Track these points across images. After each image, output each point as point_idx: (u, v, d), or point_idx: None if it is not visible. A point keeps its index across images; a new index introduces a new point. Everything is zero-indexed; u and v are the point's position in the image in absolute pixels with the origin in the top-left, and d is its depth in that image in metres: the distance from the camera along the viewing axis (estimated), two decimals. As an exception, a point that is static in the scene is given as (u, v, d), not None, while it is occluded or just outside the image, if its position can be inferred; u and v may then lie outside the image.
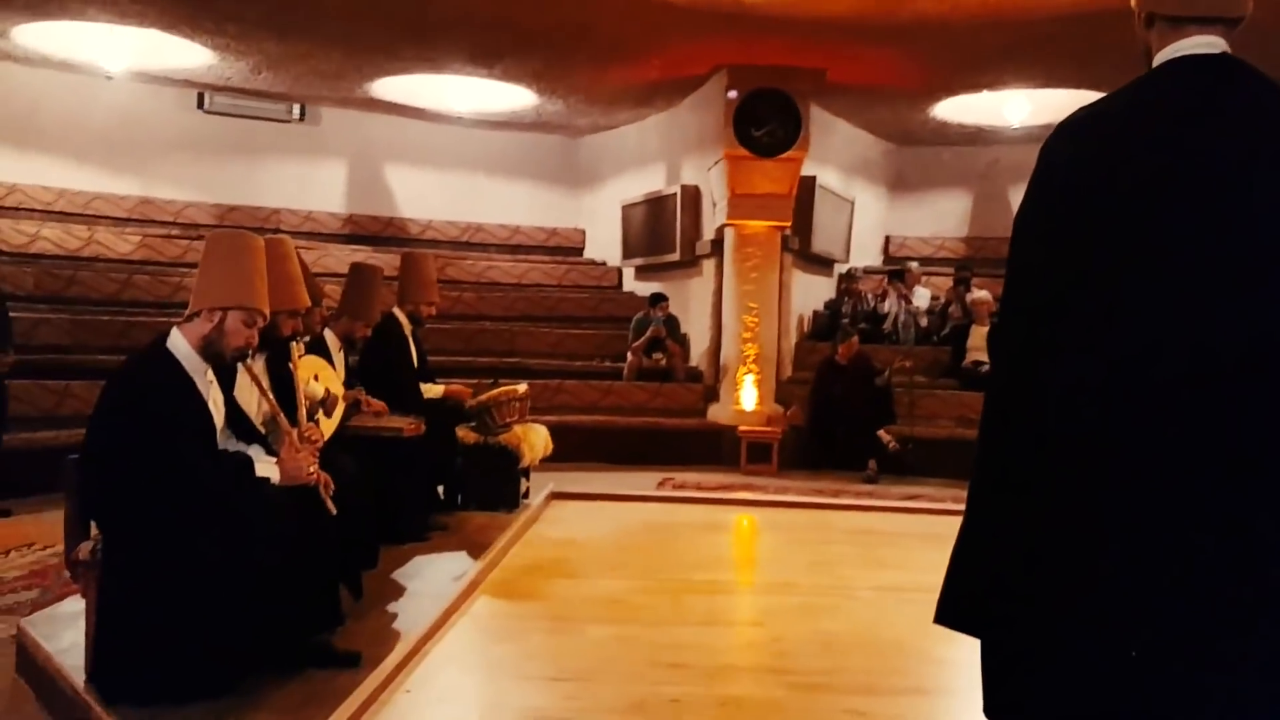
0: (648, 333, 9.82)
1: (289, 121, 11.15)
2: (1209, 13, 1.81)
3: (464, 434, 6.09)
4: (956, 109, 10.41)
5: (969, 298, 10.08)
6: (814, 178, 10.05)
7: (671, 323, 10.01)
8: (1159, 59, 1.86)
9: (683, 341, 10.11)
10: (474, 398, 6.13)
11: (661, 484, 7.89)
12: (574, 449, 8.04)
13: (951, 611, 2.02)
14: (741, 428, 8.99)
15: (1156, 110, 1.81)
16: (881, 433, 8.51)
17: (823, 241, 10.51)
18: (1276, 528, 1.67)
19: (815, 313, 10.70)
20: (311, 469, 3.46)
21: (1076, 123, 1.87)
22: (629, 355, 9.86)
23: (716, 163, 9.55)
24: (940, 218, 12.22)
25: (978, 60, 8.80)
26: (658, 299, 10.06)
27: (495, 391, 6.16)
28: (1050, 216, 1.85)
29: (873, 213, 11.86)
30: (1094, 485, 1.77)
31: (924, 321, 10.53)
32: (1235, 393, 1.68)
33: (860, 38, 8.21)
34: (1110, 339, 1.74)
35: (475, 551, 5.09)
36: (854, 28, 7.94)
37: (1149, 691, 1.72)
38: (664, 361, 9.78)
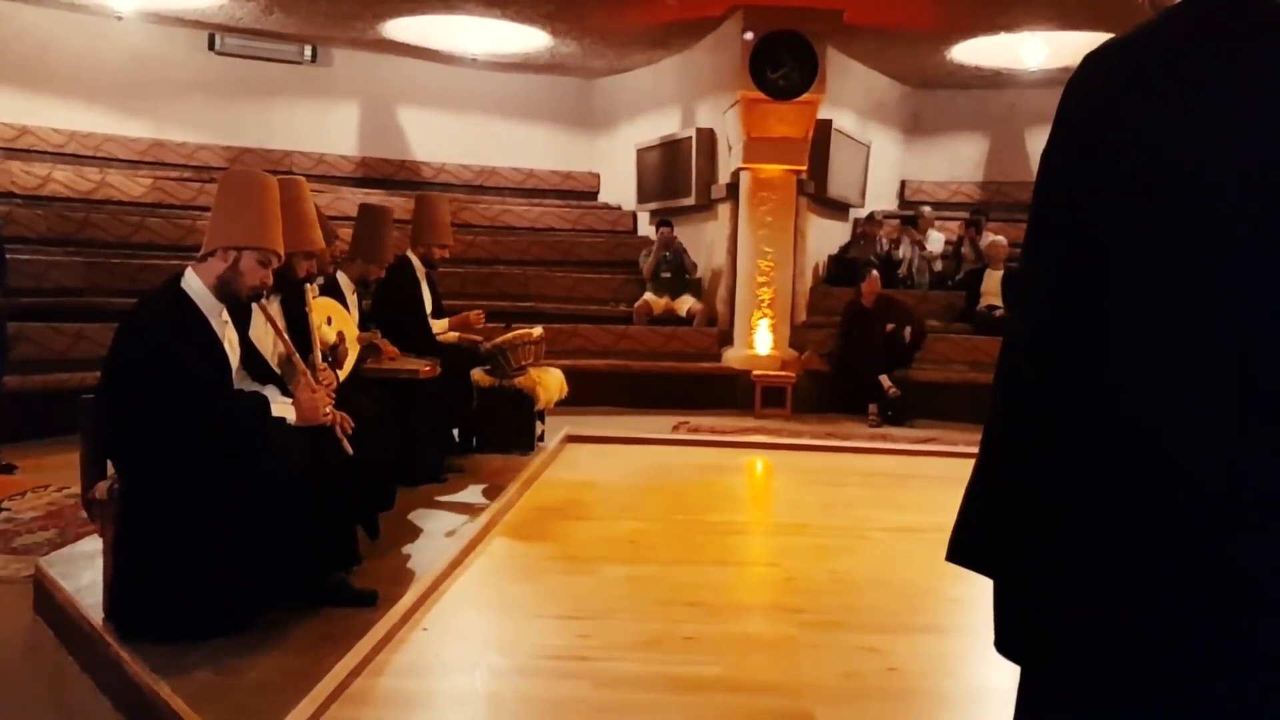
0: (654, 248, 9.93)
1: (301, 63, 11.05)
2: None
3: (479, 377, 6.10)
4: (974, 52, 10.24)
5: (982, 242, 9.99)
6: (830, 121, 9.93)
7: (672, 240, 10.02)
8: None
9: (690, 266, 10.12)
10: (487, 341, 6.13)
11: (676, 428, 7.91)
12: (589, 393, 8.06)
13: (964, 549, 2.02)
14: (755, 372, 8.99)
15: (1162, 50, 1.75)
16: (882, 378, 8.49)
17: (838, 186, 10.41)
18: None
19: (830, 257, 10.63)
20: (327, 409, 3.47)
21: (1099, 58, 1.79)
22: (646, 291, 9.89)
23: (732, 105, 9.44)
24: (957, 162, 12.08)
25: (994, 1, 8.64)
26: (664, 222, 10.12)
27: (510, 335, 6.17)
28: (1071, 158, 1.82)
29: (889, 157, 11.73)
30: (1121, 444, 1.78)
31: (938, 266, 10.46)
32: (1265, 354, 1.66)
33: (879, -24, 8.07)
34: (1130, 293, 1.74)
35: (491, 493, 5.13)
36: (873, -34, 7.81)
37: (1165, 640, 1.72)
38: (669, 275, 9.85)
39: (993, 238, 9.93)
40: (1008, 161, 11.56)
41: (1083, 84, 1.82)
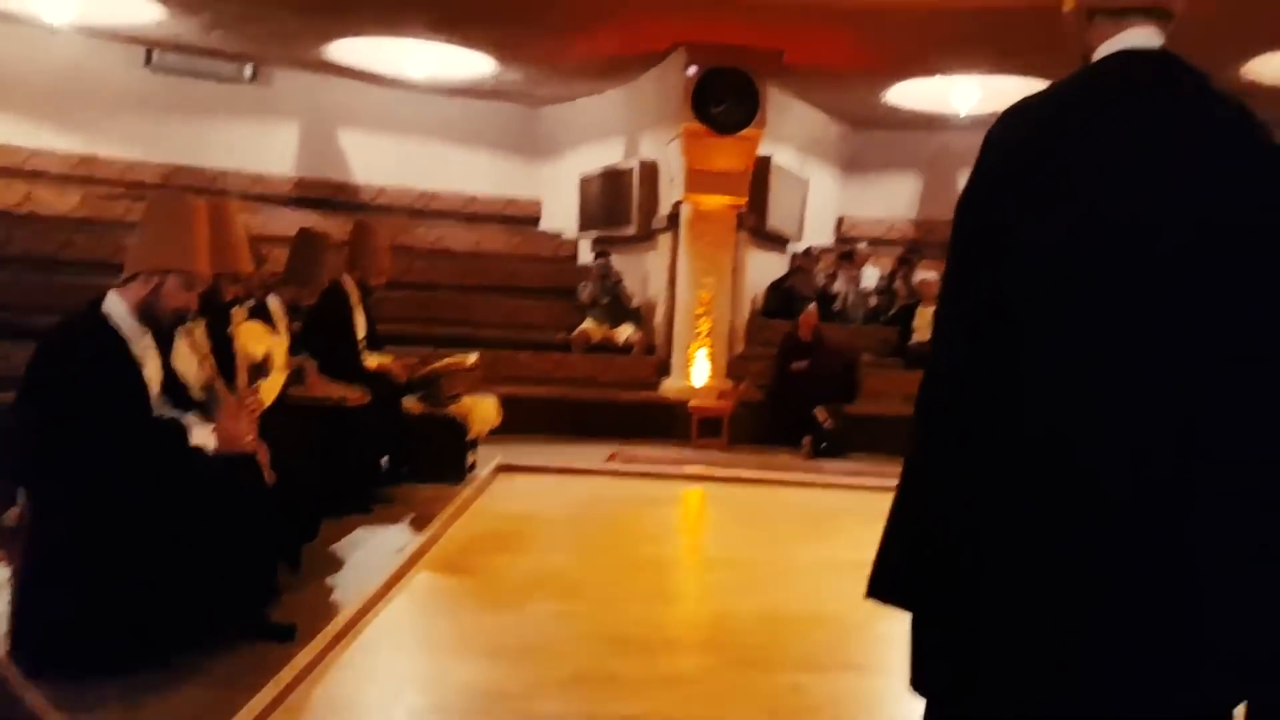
0: (592, 277, 10.01)
1: (240, 82, 10.91)
2: (1151, 2, 1.82)
3: (411, 404, 6.04)
4: (908, 94, 10.45)
5: (915, 279, 10.17)
6: (770, 157, 10.04)
7: (608, 269, 10.05)
8: (1100, 52, 1.86)
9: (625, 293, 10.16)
10: (420, 368, 6.08)
11: (611, 457, 7.89)
12: (525, 421, 8.00)
13: (884, 585, 2.03)
14: (692, 402, 9.01)
15: (1098, 103, 1.83)
16: (818, 410, 8.56)
17: (777, 220, 10.52)
18: (1216, 527, 1.69)
19: (768, 289, 10.73)
20: (250, 436, 3.41)
21: (1018, 112, 1.87)
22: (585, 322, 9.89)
23: (675, 138, 9.51)
24: (892, 200, 12.29)
25: (929, 46, 8.83)
26: (600, 253, 10.21)
27: (444, 362, 6.13)
28: (987, 205, 1.85)
29: (827, 193, 11.90)
30: (1041, 473, 1.80)
31: (873, 301, 10.62)
32: (1175, 385, 1.70)
33: (815, 20, 8.20)
34: (1048, 335, 1.77)
35: (419, 524, 5.07)
36: (809, 10, 7.93)
37: (1080, 674, 1.75)
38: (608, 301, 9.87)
39: (924, 275, 10.10)
40: (940, 201, 11.77)
41: (1007, 137, 1.86)
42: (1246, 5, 7.09)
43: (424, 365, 6.19)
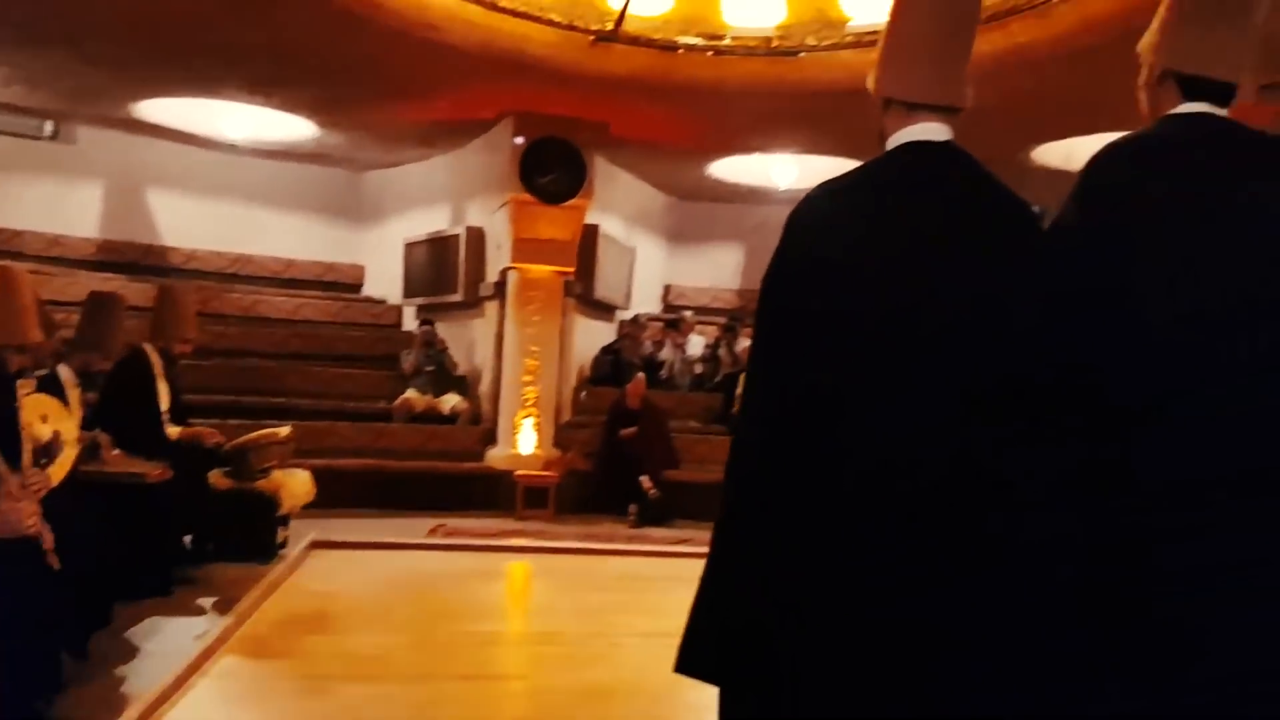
0: (415, 345, 9.87)
1: (40, 139, 10.33)
2: (937, 102, 1.99)
3: (217, 479, 5.75)
4: (731, 169, 10.83)
5: (739, 347, 10.44)
6: (597, 226, 10.18)
7: (433, 337, 9.93)
8: (892, 141, 2.02)
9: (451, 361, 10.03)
10: (230, 441, 5.81)
11: (433, 531, 7.70)
12: (342, 495, 7.76)
13: (694, 659, 2.03)
14: (518, 472, 8.92)
15: (888, 190, 1.97)
16: (643, 478, 8.62)
17: (604, 288, 10.64)
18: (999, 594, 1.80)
19: (596, 357, 10.80)
20: (32, 520, 3.17)
21: (818, 197, 1.99)
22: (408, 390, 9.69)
23: (502, 206, 9.53)
24: (717, 269, 12.64)
25: (747, 125, 9.20)
26: (425, 321, 10.13)
27: (254, 435, 5.87)
28: (792, 283, 1.97)
29: (654, 262, 12.13)
30: (845, 541, 1.86)
31: (698, 369, 10.83)
32: (962, 453, 1.81)
33: (639, 96, 8.43)
34: (844, 410, 1.87)
35: (223, 606, 4.80)
36: (633, 86, 8.15)
37: None
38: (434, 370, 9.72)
39: (747, 343, 10.37)
40: (763, 271, 12.16)
41: (808, 221, 1.97)
42: (1034, 102, 7.69)
43: (234, 438, 5.91)
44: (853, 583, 1.85)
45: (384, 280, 11.57)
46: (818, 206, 1.98)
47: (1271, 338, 1.76)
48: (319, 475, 6.39)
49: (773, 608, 1.93)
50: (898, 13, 2.03)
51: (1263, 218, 1.83)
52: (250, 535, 5.80)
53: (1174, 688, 1.73)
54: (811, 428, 1.89)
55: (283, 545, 6.07)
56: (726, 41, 7.76)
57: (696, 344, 11.11)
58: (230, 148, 10.63)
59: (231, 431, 6.16)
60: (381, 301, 11.60)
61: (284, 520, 6.05)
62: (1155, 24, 2.04)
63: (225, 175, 11.26)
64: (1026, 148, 9.17)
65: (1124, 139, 1.96)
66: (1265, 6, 2.05)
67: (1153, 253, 1.81)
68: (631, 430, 8.94)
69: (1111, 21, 6.31)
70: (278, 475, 5.90)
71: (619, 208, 11.09)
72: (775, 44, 7.73)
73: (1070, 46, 6.73)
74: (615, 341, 10.82)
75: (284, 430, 6.07)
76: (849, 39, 7.52)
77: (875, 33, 7.50)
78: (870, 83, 2.07)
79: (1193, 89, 1.95)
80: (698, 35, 7.76)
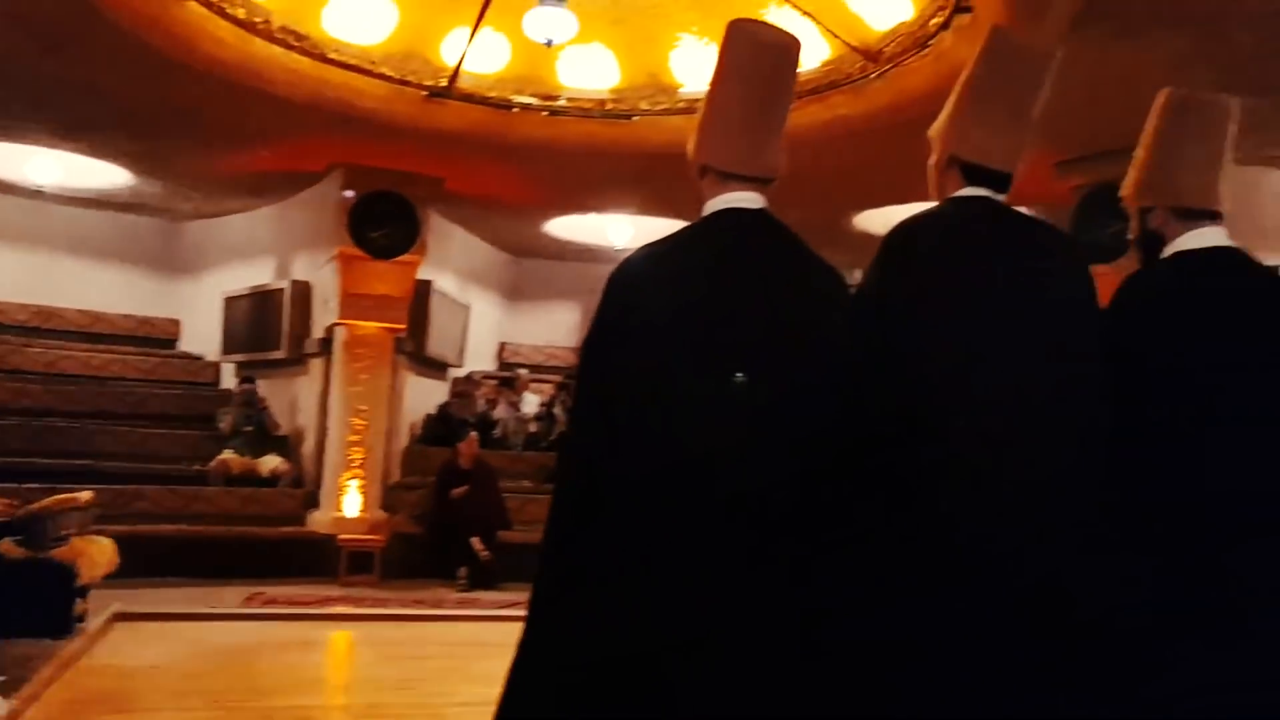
0: (234, 403, 9.48)
1: None
2: (751, 173, 2.09)
3: (7, 548, 5.30)
4: (567, 227, 10.89)
5: (574, 406, 10.42)
6: (430, 282, 10.03)
7: (253, 395, 9.56)
8: (709, 207, 2.11)
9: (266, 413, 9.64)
10: (23, 507, 5.38)
11: (249, 600, 7.31)
12: (152, 563, 7.34)
13: None
14: (342, 536, 8.58)
15: (705, 254, 2.06)
16: (474, 540, 8.45)
17: (438, 345, 10.46)
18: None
19: (427, 416, 10.57)
20: None
21: (636, 261, 2.07)
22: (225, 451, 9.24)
23: (330, 260, 9.28)
24: (553, 327, 12.63)
25: (582, 185, 9.29)
26: (246, 379, 9.75)
27: (50, 500, 5.46)
28: (611, 347, 2.02)
29: (489, 319, 12.02)
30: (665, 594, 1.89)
31: (533, 427, 10.73)
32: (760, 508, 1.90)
33: (475, 152, 8.40)
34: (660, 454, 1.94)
35: (9, 688, 4.39)
36: (468, 142, 8.12)
37: None
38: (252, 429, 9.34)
39: (583, 403, 10.36)
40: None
41: (630, 282, 2.05)
42: (854, 171, 8.05)
43: (27, 504, 5.48)
44: (669, 646, 1.87)
45: (202, 336, 11.05)
46: (636, 270, 2.06)
47: (1043, 386, 1.99)
48: (126, 542, 5.99)
49: (590, 669, 1.93)
50: (716, 85, 2.11)
51: (1032, 287, 2.06)
52: (44, 608, 5.35)
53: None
54: (629, 488, 1.93)
55: (81, 619, 5.63)
56: (561, 102, 7.83)
57: (531, 402, 11.03)
58: (35, 193, 10.02)
59: (29, 496, 5.72)
60: (199, 358, 11.07)
61: (83, 591, 5.61)
62: (945, 113, 2.24)
63: (29, 222, 10.59)
64: (848, 214, 9.58)
65: (914, 217, 2.17)
66: (1043, 101, 2.23)
67: (939, 316, 2.01)
68: (462, 490, 8.76)
69: (922, 99, 6.67)
70: (77, 543, 5.49)
71: (454, 264, 10.97)
72: (609, 106, 7.85)
73: (885, 121, 7.08)
74: (448, 400, 10.63)
75: (85, 495, 5.66)
76: (681, 104, 7.69)
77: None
78: (689, 150, 2.15)
79: (974, 175, 2.17)
80: (533, 95, 7.80)
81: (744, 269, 2.02)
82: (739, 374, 1.91)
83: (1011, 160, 2.17)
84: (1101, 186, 7.05)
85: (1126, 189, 2.38)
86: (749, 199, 2.07)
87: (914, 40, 6.34)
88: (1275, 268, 2.32)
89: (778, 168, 2.10)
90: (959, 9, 5.74)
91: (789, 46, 2.11)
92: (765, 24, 2.16)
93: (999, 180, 2.17)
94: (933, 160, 2.24)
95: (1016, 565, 1.89)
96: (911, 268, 2.06)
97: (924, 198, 2.23)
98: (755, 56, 2.07)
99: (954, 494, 1.93)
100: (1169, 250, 2.27)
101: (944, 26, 6.02)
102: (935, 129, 2.24)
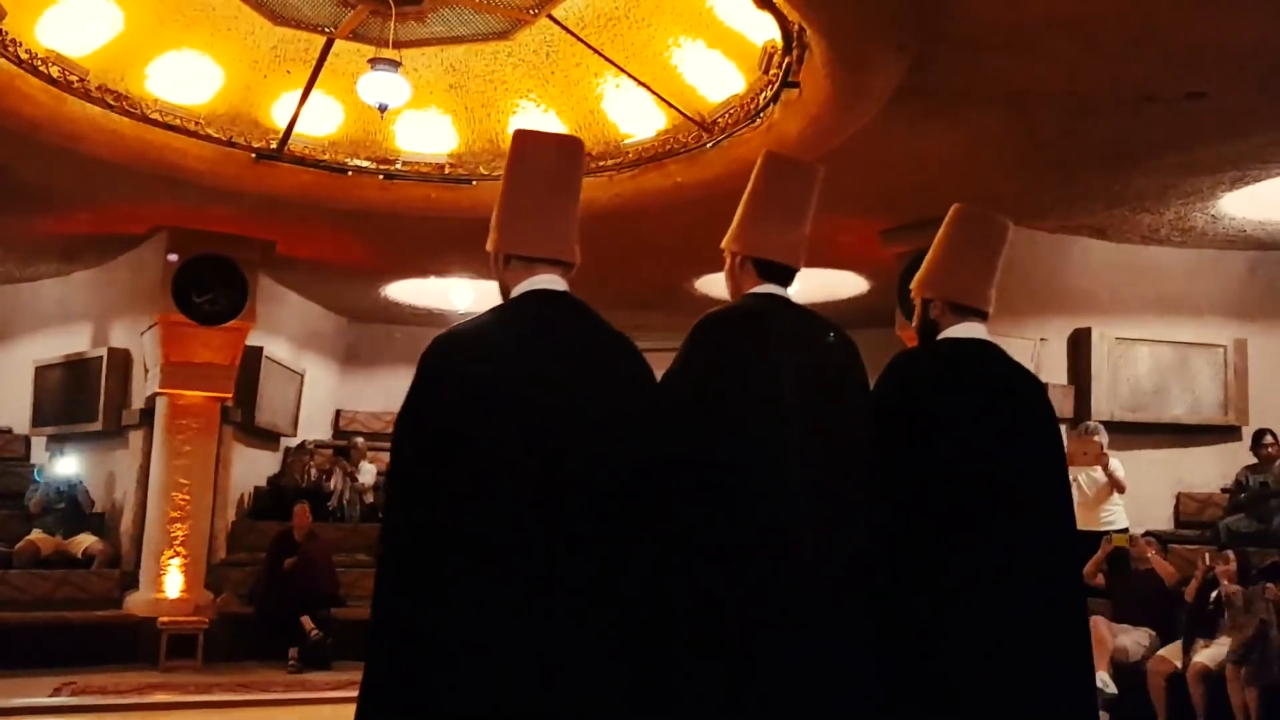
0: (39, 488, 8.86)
1: None
2: (555, 256, 2.33)
3: None
4: (407, 291, 10.72)
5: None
6: (261, 348, 9.69)
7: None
8: (517, 290, 2.30)
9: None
10: None
11: (57, 690, 6.78)
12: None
13: None
14: (163, 619, 8.07)
15: (517, 331, 2.24)
16: (304, 619, 8.09)
17: (269, 414, 10.08)
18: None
19: (257, 489, 10.13)
20: None
21: (452, 339, 2.23)
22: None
23: (151, 327, 8.85)
24: (392, 394, 12.28)
25: (421, 248, 9.16)
26: (56, 451, 9.16)
27: None
28: (428, 418, 2.14)
29: (324, 386, 11.67)
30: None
31: (369, 498, 10.41)
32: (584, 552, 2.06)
33: (307, 215, 8.18)
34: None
35: None
36: (300, 205, 7.89)
37: None
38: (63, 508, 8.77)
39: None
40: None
41: (443, 361, 2.18)
42: (694, 237, 8.16)
43: None
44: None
45: (9, 407, 10.33)
46: (450, 345, 2.21)
47: (835, 449, 2.33)
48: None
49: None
50: (511, 183, 2.37)
51: (823, 363, 2.43)
52: None
53: None
54: (449, 558, 2.02)
55: None
56: (398, 166, 7.74)
57: (369, 472, 10.69)
58: None
59: None
60: (7, 431, 10.35)
61: None
62: (735, 221, 2.59)
63: None
64: (689, 278, 9.75)
65: (719, 310, 2.51)
66: (814, 205, 2.59)
67: (742, 393, 2.30)
68: (292, 560, 8.39)
69: (752, 167, 6.90)
70: None
71: (286, 329, 10.63)
72: (448, 170, 7.80)
73: (720, 189, 7.24)
74: (280, 472, 10.22)
75: None
76: (519, 170, 7.71)
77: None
78: (490, 244, 2.38)
79: (766, 270, 2.51)
80: (368, 158, 7.69)
81: (554, 344, 2.21)
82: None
83: (796, 256, 2.54)
84: (922, 253, 7.41)
85: (915, 282, 2.81)
86: (554, 281, 2.30)
87: (745, 112, 6.55)
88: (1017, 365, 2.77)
89: (576, 255, 2.35)
90: (786, 84, 5.96)
91: (574, 145, 2.44)
92: (550, 131, 2.52)
93: (786, 274, 2.53)
94: (727, 264, 2.60)
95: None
96: (716, 351, 2.38)
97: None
98: (545, 155, 2.35)
99: (743, 578, 2.14)
100: (940, 336, 2.70)
101: (773, 100, 6.25)
102: (728, 238, 2.60)
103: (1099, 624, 6.58)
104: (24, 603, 8.10)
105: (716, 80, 6.68)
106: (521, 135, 2.39)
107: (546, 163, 2.34)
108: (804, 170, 2.65)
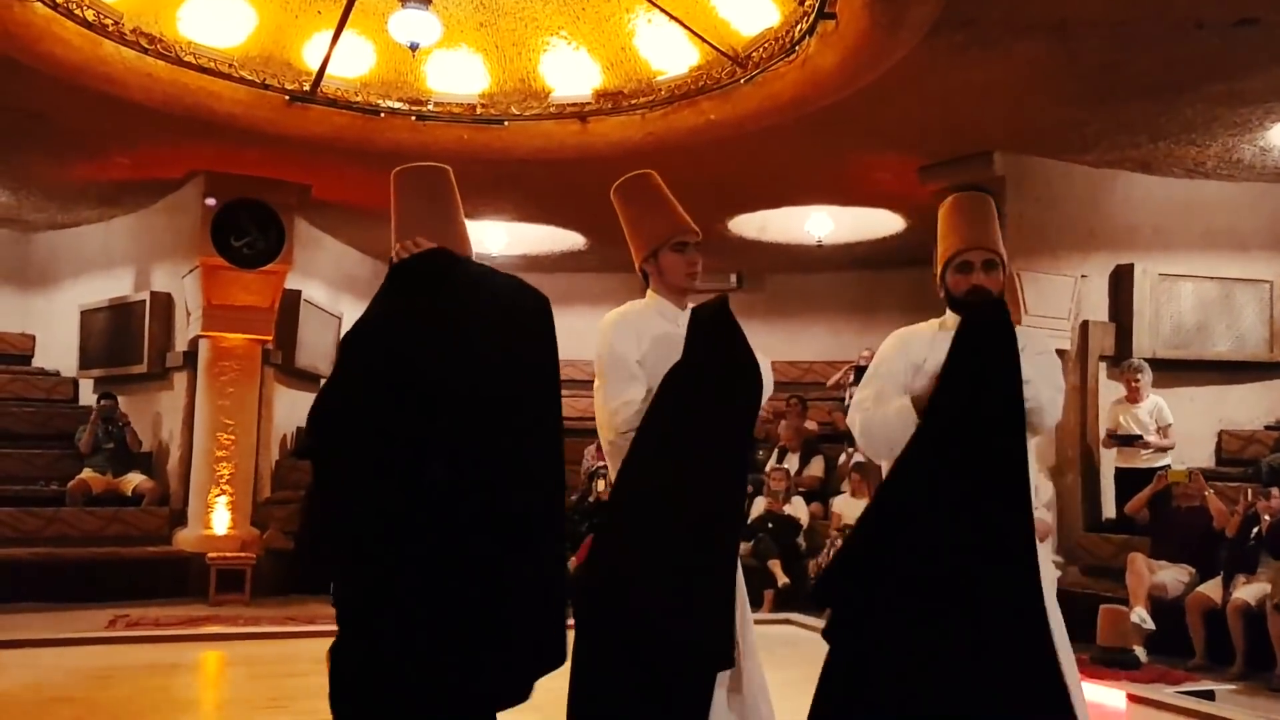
0: (92, 420, 9.03)
1: None
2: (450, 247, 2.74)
3: None
4: (442, 233, 10.71)
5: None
6: (299, 291, 9.78)
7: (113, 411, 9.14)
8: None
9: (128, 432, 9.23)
10: None
11: (111, 623, 7.00)
12: (7, 589, 7.10)
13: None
14: (211, 555, 8.28)
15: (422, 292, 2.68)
16: None
17: (308, 356, 10.20)
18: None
19: (299, 429, 10.29)
20: None
21: (366, 322, 2.62)
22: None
23: (191, 270, 8.96)
24: (429, 335, 12.41)
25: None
26: (105, 395, 9.29)
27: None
28: (351, 384, 2.57)
29: (362, 328, 11.76)
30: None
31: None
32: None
33: (341, 158, 8.20)
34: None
35: None
36: (334, 148, 7.92)
37: None
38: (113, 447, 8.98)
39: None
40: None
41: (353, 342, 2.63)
42: (727, 177, 8.15)
43: None
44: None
45: (57, 351, 10.56)
46: (366, 327, 2.61)
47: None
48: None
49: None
50: (400, 204, 2.85)
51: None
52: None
53: None
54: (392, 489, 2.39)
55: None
56: (430, 107, 7.72)
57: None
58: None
59: None
60: (55, 374, 10.57)
61: (-77, 624, 5.30)
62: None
63: None
64: (722, 219, 9.69)
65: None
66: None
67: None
68: None
69: (788, 105, 6.81)
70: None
71: (323, 273, 10.71)
72: (479, 111, 7.77)
73: (753, 126, 7.19)
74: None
75: (-76, 521, 5.34)
76: (552, 109, 7.67)
77: (577, 104, 7.71)
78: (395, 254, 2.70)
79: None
80: (399, 99, 7.67)
81: (458, 296, 2.70)
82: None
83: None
84: (962, 189, 7.30)
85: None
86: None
87: (780, 46, 6.45)
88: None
89: (468, 245, 2.81)
90: (822, 15, 5.86)
91: (444, 169, 2.90)
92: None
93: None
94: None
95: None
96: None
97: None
98: (423, 176, 2.90)
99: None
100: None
101: (809, 33, 6.14)
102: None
103: (1137, 560, 6.58)
104: (77, 539, 8.34)
105: (750, 13, 6.57)
106: (401, 170, 2.87)
107: (426, 180, 2.90)
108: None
